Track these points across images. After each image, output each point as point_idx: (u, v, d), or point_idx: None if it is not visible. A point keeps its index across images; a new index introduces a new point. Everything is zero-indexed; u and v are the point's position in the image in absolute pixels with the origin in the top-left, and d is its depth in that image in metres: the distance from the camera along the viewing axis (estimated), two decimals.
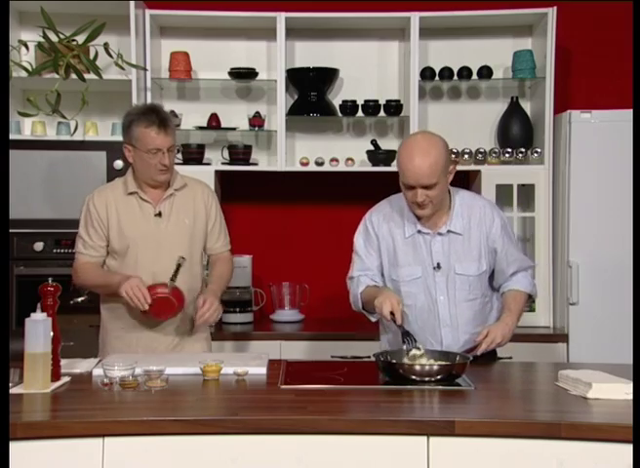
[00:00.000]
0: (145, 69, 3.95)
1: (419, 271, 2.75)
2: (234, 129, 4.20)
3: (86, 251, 2.96)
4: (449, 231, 2.75)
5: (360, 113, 4.16)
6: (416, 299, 2.75)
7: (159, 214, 2.95)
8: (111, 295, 2.91)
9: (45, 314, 2.34)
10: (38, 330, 2.31)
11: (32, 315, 2.33)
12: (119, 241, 2.93)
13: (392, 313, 2.57)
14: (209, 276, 3.10)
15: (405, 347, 2.55)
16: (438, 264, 2.74)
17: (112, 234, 2.93)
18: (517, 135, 4.11)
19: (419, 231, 2.76)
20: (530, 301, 2.90)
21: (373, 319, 2.80)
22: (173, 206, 2.98)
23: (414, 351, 2.52)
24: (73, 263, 3.01)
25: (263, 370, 2.55)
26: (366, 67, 4.27)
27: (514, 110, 4.15)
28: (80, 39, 3.80)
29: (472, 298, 2.77)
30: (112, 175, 3.78)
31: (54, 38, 3.75)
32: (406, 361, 2.48)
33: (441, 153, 2.64)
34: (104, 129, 3.98)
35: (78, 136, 3.83)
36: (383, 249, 2.80)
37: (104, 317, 3.03)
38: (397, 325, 2.59)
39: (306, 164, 4.15)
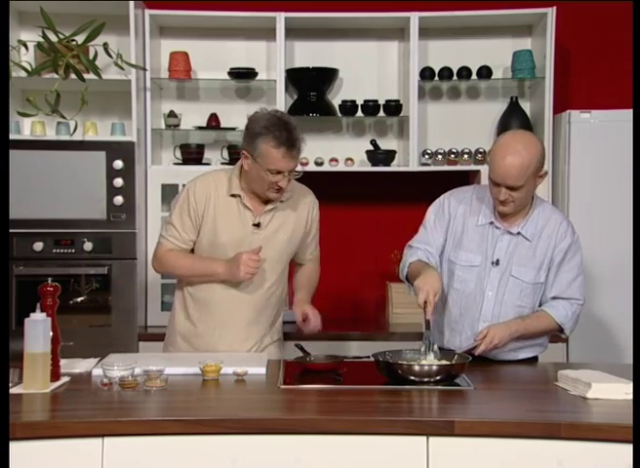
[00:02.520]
0: (145, 69, 3.95)
1: (477, 260, 2.75)
2: (234, 129, 4.20)
3: (175, 240, 2.82)
4: (519, 233, 2.74)
5: (359, 113, 4.16)
6: (466, 286, 2.76)
7: (257, 225, 2.79)
8: (204, 282, 2.82)
9: (44, 314, 2.34)
10: (38, 330, 2.30)
11: (32, 315, 2.33)
12: (210, 239, 2.80)
13: (426, 303, 2.52)
14: (298, 279, 3.01)
15: (422, 349, 2.52)
16: (497, 261, 2.74)
17: (204, 230, 2.80)
18: None
19: (491, 223, 2.76)
20: (561, 334, 2.86)
21: (411, 292, 2.73)
22: (273, 218, 2.82)
23: (430, 356, 2.50)
24: (156, 248, 2.89)
25: (263, 371, 2.54)
26: (365, 67, 4.27)
27: (514, 110, 4.15)
28: (79, 39, 3.79)
29: (521, 305, 2.75)
30: (112, 175, 3.79)
31: (53, 38, 3.75)
32: (410, 359, 2.48)
33: (534, 157, 2.62)
34: (104, 129, 3.98)
35: (77, 136, 3.82)
36: (451, 229, 2.79)
37: (178, 317, 2.92)
38: (425, 318, 2.54)
39: (306, 164, 4.14)
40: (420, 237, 2.84)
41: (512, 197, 2.64)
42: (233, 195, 2.80)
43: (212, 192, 2.81)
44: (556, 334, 3.88)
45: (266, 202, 2.82)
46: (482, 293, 2.75)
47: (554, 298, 2.78)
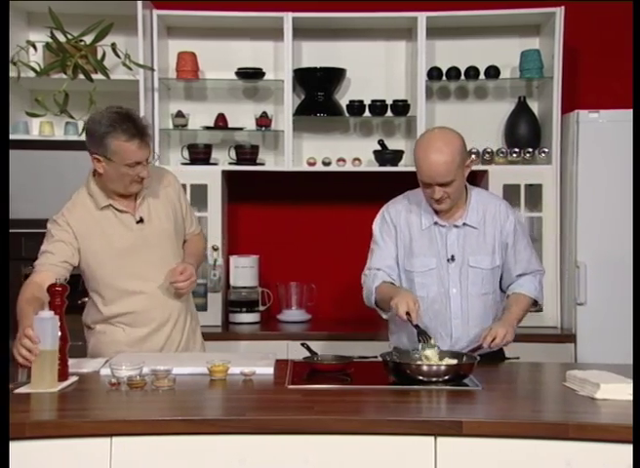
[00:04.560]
0: (153, 69, 3.96)
1: (433, 262, 2.77)
2: (241, 129, 4.21)
3: (49, 265, 2.67)
4: (464, 224, 2.78)
5: (367, 113, 4.16)
6: (428, 291, 2.77)
7: (141, 221, 2.79)
8: None
9: (52, 312, 2.34)
10: (46, 328, 2.31)
11: (40, 313, 2.33)
12: (106, 255, 2.75)
13: (408, 313, 2.56)
14: (185, 250, 2.93)
15: (420, 346, 2.54)
16: (452, 256, 2.76)
17: (94, 251, 2.73)
18: (524, 134, 4.10)
19: (435, 223, 2.78)
20: (535, 307, 2.89)
21: (384, 316, 2.79)
22: (151, 208, 2.82)
23: (427, 351, 2.51)
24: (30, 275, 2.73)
25: (270, 370, 2.54)
26: (373, 67, 4.27)
27: (522, 110, 4.14)
28: (88, 39, 3.81)
29: (484, 293, 2.79)
30: None
31: (62, 38, 3.77)
32: (418, 359, 2.49)
33: (456, 150, 2.65)
34: None
35: None
36: (400, 239, 2.82)
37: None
38: (413, 324, 2.59)
39: (313, 164, 4.15)
40: (375, 257, 2.85)
41: (447, 193, 2.68)
42: (105, 207, 2.77)
43: (86, 215, 2.76)
44: (564, 335, 3.91)
45: (134, 198, 2.80)
46: (446, 293, 2.76)
47: (519, 276, 2.83)
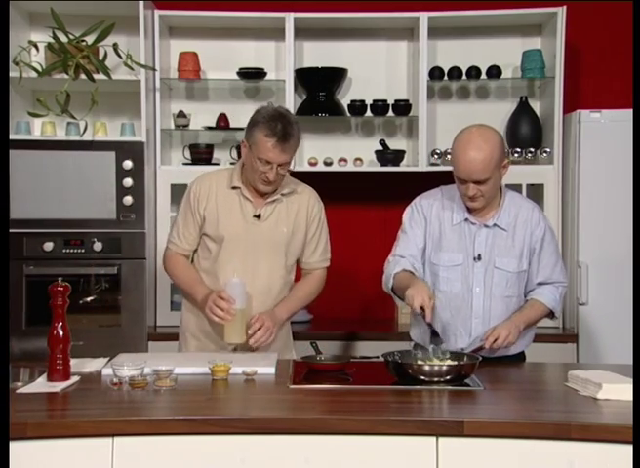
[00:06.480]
0: (154, 69, 3.96)
1: (459, 258, 2.76)
2: (243, 129, 4.16)
3: (179, 241, 2.90)
4: (495, 225, 2.77)
5: (369, 113, 4.16)
6: (452, 286, 2.77)
7: (258, 217, 2.83)
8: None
9: (240, 279, 2.68)
10: (238, 291, 2.67)
11: (232, 279, 2.68)
12: (213, 232, 2.85)
13: (422, 308, 2.54)
14: (290, 291, 2.95)
15: (431, 349, 2.52)
16: (479, 255, 2.75)
17: (207, 224, 2.85)
18: (526, 134, 4.10)
19: (466, 219, 2.77)
20: (551, 318, 2.88)
21: (399, 303, 2.78)
22: (274, 211, 2.85)
23: (436, 357, 2.49)
24: (165, 250, 2.98)
25: (272, 370, 2.54)
26: (374, 67, 4.27)
27: (523, 110, 4.14)
28: (89, 39, 3.81)
29: (508, 296, 2.78)
30: (121, 175, 3.80)
31: (63, 39, 3.77)
32: (420, 359, 2.49)
33: (495, 149, 2.64)
34: (114, 129, 3.99)
35: (87, 137, 3.84)
36: (429, 232, 2.81)
37: (186, 316, 2.97)
38: (426, 322, 2.56)
39: (315, 164, 4.15)
40: (401, 244, 2.84)
41: (481, 191, 2.67)
42: (234, 187, 2.86)
43: (213, 187, 2.87)
44: (566, 335, 3.91)
45: (265, 197, 2.86)
46: (470, 291, 2.76)
47: (540, 284, 2.81)
